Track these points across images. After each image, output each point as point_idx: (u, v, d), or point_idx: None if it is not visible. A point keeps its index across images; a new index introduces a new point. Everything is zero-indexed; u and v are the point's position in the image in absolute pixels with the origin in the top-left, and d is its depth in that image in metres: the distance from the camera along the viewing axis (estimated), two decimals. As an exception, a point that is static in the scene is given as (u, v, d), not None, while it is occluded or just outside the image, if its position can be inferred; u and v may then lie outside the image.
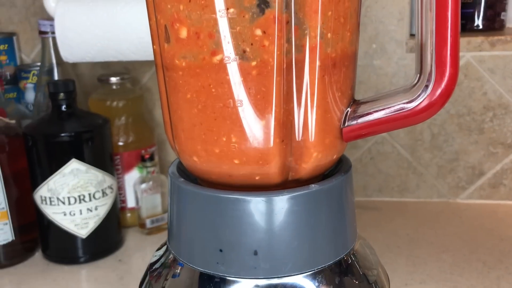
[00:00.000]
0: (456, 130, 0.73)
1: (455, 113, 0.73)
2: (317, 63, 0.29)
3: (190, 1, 0.28)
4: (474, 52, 0.70)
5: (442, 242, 0.64)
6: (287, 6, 0.27)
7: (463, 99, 0.72)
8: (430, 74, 0.28)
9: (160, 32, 0.30)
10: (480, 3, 0.74)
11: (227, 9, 0.27)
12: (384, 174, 0.77)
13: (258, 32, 0.27)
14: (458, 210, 0.73)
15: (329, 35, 0.29)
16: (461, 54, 0.70)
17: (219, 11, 0.27)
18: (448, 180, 0.75)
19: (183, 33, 0.29)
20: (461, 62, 0.71)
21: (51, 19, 0.66)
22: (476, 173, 0.74)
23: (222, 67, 0.28)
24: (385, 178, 0.77)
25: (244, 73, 0.28)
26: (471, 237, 0.65)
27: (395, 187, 0.77)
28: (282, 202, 0.30)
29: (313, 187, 0.31)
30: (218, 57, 0.28)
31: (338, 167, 0.36)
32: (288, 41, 0.28)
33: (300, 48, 0.28)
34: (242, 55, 0.28)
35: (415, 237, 0.65)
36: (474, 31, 0.74)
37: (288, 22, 0.28)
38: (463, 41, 0.69)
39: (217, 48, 0.28)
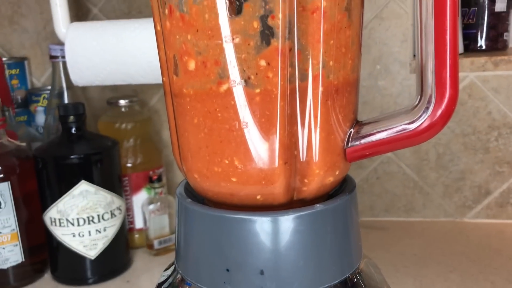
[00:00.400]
0: (461, 149, 0.73)
1: (460, 132, 0.73)
2: (320, 89, 0.30)
3: (197, 31, 0.29)
4: (477, 72, 0.71)
5: (449, 261, 0.64)
6: (290, 31, 0.28)
7: (468, 118, 0.72)
8: (430, 95, 0.29)
9: (169, 65, 0.31)
10: (482, 24, 0.75)
11: (233, 38, 0.28)
12: (390, 193, 0.77)
13: (263, 63, 0.28)
14: (465, 230, 0.73)
15: (331, 63, 0.30)
16: (465, 74, 0.71)
17: (224, 37, 0.28)
18: (454, 199, 0.75)
19: (191, 65, 0.30)
20: (465, 82, 0.71)
21: (61, 44, 0.68)
22: (482, 192, 0.74)
23: (228, 91, 0.29)
24: (392, 197, 0.77)
25: (249, 97, 0.29)
26: (479, 257, 0.64)
27: (402, 206, 0.77)
28: (287, 222, 0.31)
29: (318, 207, 0.32)
30: (224, 86, 0.29)
31: (343, 187, 0.36)
32: (292, 65, 0.29)
33: (304, 73, 0.29)
34: (247, 80, 0.29)
35: (422, 257, 0.65)
36: (478, 51, 0.75)
37: (291, 49, 0.28)
38: (467, 61, 0.70)
39: (224, 73, 0.29)
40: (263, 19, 0.28)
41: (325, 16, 0.28)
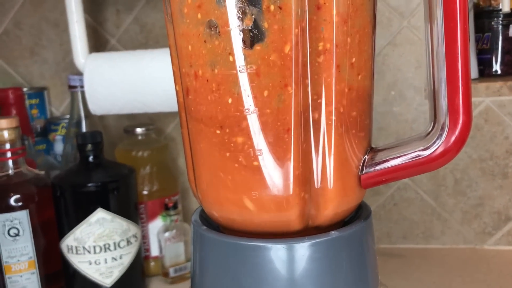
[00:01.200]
0: (479, 175, 0.73)
1: (477, 157, 0.72)
2: (333, 116, 0.30)
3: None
4: (493, 97, 0.70)
5: (470, 290, 0.62)
6: (303, 62, 0.29)
7: (485, 143, 0.72)
8: (444, 122, 0.29)
9: (185, 95, 0.32)
10: (497, 49, 0.75)
11: (247, 68, 0.29)
12: (408, 220, 0.76)
13: (277, 91, 0.29)
14: (485, 257, 0.71)
15: (344, 90, 0.30)
16: (480, 99, 0.71)
17: (239, 67, 0.29)
18: (473, 226, 0.74)
19: (207, 94, 0.30)
20: (481, 107, 0.71)
21: (80, 74, 0.69)
22: (502, 218, 0.73)
23: (242, 120, 0.30)
24: (409, 224, 0.76)
25: (263, 125, 0.30)
26: (501, 285, 0.63)
27: (420, 233, 0.76)
28: (302, 249, 0.31)
29: (333, 234, 0.32)
30: (239, 114, 0.30)
31: (358, 214, 0.36)
32: (305, 93, 0.29)
33: (317, 101, 0.30)
34: (261, 109, 0.29)
35: (441, 285, 0.64)
36: (493, 76, 0.75)
37: (305, 79, 0.29)
38: (482, 86, 0.70)
39: (238, 102, 0.30)
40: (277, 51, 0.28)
41: (336, 48, 0.29)
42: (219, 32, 0.29)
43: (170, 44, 0.33)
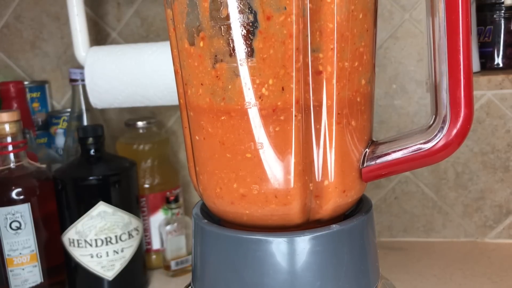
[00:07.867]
0: (480, 168, 0.73)
1: (478, 151, 0.72)
2: (334, 109, 0.30)
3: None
4: (495, 90, 0.70)
5: (471, 283, 0.62)
6: (304, 53, 0.28)
7: (486, 137, 0.72)
8: (445, 115, 0.29)
9: (186, 89, 0.32)
10: (499, 42, 0.74)
11: (248, 61, 0.29)
12: (409, 213, 0.76)
13: (278, 84, 0.29)
14: (486, 250, 0.71)
15: (345, 84, 0.30)
16: (482, 92, 0.71)
17: (239, 60, 0.29)
18: (474, 219, 0.74)
19: (206, 88, 0.30)
20: (483, 100, 0.71)
21: (81, 67, 0.69)
22: (503, 212, 0.73)
23: (243, 113, 0.30)
24: (410, 218, 0.76)
25: (264, 118, 0.29)
26: (501, 278, 0.63)
27: (421, 227, 0.76)
28: (303, 243, 0.31)
29: (334, 227, 0.32)
30: (239, 108, 0.29)
31: (359, 207, 0.36)
32: (306, 86, 0.29)
33: (318, 94, 0.30)
34: (261, 102, 0.29)
35: (442, 278, 0.64)
36: (495, 69, 0.75)
37: (306, 71, 0.29)
38: (484, 79, 0.70)
39: (238, 95, 0.29)
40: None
41: (338, 39, 0.29)
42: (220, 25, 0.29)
43: (170, 35, 0.33)
